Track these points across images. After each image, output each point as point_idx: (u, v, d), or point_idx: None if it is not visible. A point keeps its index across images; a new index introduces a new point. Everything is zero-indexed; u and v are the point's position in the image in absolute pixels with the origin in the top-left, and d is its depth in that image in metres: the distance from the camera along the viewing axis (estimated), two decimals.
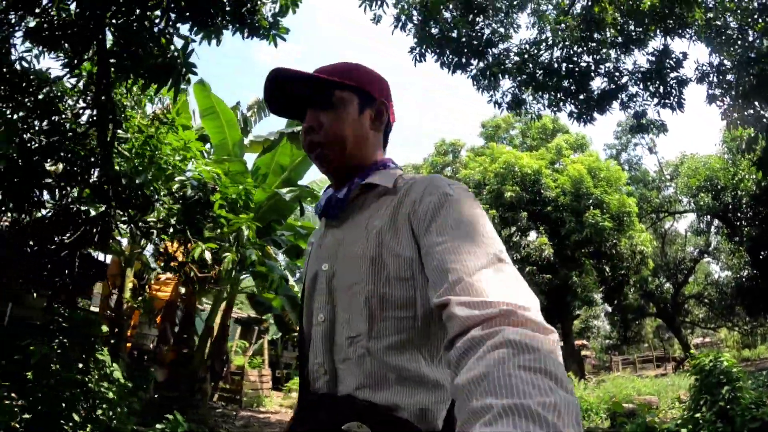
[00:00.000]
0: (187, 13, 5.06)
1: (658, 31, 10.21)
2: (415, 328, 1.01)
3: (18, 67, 5.53)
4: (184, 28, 5.37)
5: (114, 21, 5.00)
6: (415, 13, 10.71)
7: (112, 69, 5.24)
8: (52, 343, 6.11)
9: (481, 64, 11.00)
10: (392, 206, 1.11)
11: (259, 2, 5.62)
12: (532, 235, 21.90)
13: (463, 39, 10.89)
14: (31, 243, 6.70)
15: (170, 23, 5.12)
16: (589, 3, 10.33)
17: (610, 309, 30.38)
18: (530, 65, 11.14)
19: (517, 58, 11.03)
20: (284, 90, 1.24)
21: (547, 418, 0.58)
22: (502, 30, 11.00)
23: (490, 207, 20.18)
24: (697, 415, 6.20)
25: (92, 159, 5.94)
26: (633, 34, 10.46)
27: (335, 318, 1.11)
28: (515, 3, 11.13)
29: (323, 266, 1.17)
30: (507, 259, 0.92)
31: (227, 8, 5.35)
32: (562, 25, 11.03)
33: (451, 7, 10.88)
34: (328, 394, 1.08)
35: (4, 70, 5.39)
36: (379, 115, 1.26)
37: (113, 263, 10.10)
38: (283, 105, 1.28)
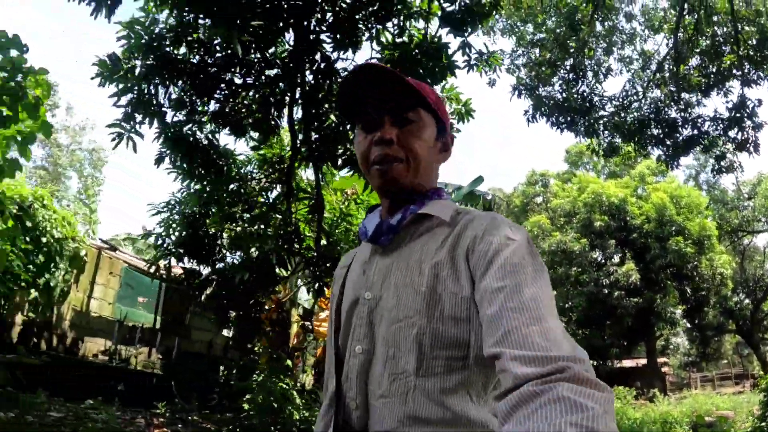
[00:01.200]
0: None
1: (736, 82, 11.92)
2: (466, 369, 0.97)
3: (205, 142, 6.66)
4: None
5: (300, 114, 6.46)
6: (524, 74, 13.25)
7: (301, 157, 6.81)
8: (250, 379, 7.81)
9: (586, 122, 13.31)
10: (449, 240, 1.06)
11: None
12: (616, 258, 23.89)
13: (570, 103, 13.19)
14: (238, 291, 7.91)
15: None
16: (674, 67, 12.42)
17: (689, 325, 31.17)
18: (625, 118, 13.34)
19: (613, 111, 13.27)
20: (363, 89, 1.15)
21: None
22: (599, 89, 13.28)
23: (580, 236, 22.36)
24: (762, 423, 8.36)
25: (282, 229, 7.35)
26: (714, 86, 12.21)
27: (375, 351, 1.05)
28: (610, 67, 13.31)
29: (366, 294, 1.11)
30: (556, 312, 0.91)
31: None
32: (653, 85, 13.28)
33: (558, 75, 13.37)
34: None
35: (194, 144, 6.50)
36: (445, 147, 1.23)
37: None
38: (354, 107, 1.20)
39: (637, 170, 26.33)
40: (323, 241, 7.71)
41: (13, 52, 4.67)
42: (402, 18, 6.82)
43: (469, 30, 6.67)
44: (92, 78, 6.45)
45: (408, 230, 1.14)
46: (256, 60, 6.32)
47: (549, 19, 13.21)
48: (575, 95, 13.03)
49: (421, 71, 6.34)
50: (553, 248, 22.92)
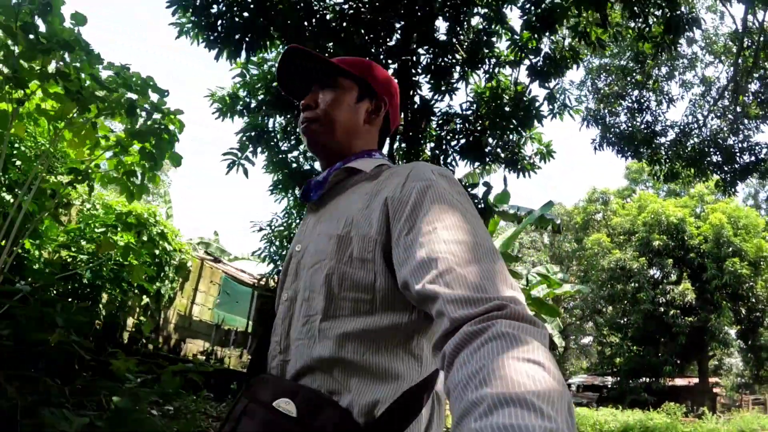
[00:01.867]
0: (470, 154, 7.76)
1: None
2: (373, 314, 0.98)
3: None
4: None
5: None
6: (591, 104, 14.12)
7: None
8: None
9: (649, 150, 14.09)
10: (370, 189, 1.11)
11: (521, 150, 8.95)
12: (673, 276, 24.43)
13: (634, 133, 13.99)
14: None
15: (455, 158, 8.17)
16: (733, 101, 13.12)
17: (743, 346, 31.25)
18: (686, 145, 14.05)
19: (674, 139, 13.99)
20: (295, 69, 1.31)
21: (542, 407, 0.59)
22: (662, 117, 14.03)
23: (639, 254, 23.04)
24: None
25: None
26: None
27: (296, 297, 1.10)
28: (673, 97, 14.03)
29: (297, 247, 1.18)
30: (495, 251, 0.90)
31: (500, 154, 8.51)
32: (713, 114, 13.99)
33: (623, 106, 14.23)
34: (265, 375, 1.09)
35: (298, 170, 7.75)
36: (376, 110, 1.30)
37: None
38: (290, 84, 1.35)
39: (696, 189, 26.76)
40: None
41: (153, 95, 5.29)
42: (491, 65, 7.87)
43: (553, 80, 7.69)
44: (213, 113, 7.78)
45: (336, 187, 1.21)
46: None
47: (615, 52, 14.01)
48: (640, 125, 13.83)
49: (513, 121, 7.40)
50: (612, 266, 23.67)
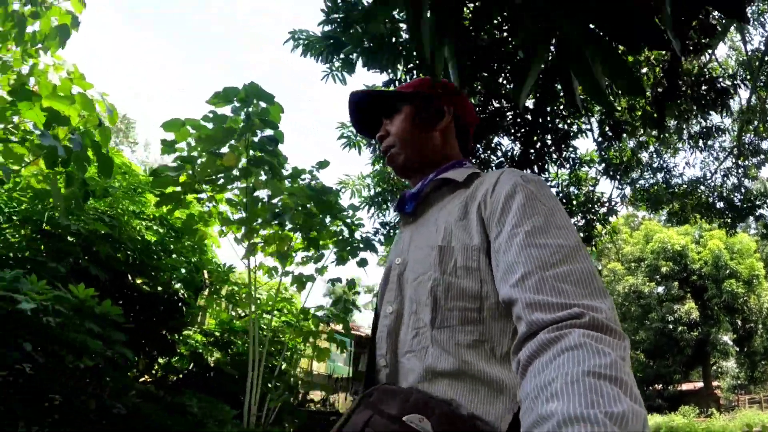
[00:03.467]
0: None
1: None
2: (481, 322, 0.97)
3: None
4: None
5: None
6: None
7: None
8: None
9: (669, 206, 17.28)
10: (464, 198, 1.12)
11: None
12: (678, 297, 28.51)
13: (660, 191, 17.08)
14: None
15: None
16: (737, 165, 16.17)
17: (737, 349, 34.91)
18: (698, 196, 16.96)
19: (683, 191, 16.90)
20: (362, 110, 1.41)
21: (614, 429, 0.58)
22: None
23: (649, 278, 27.09)
24: None
25: None
26: None
27: (402, 310, 1.09)
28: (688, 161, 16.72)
29: (396, 260, 1.18)
30: (582, 252, 0.88)
31: None
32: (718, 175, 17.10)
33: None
34: (390, 386, 1.04)
35: None
36: (440, 116, 1.32)
37: None
38: (364, 124, 1.45)
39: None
40: None
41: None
42: (573, 163, 9.12)
43: (619, 178, 10.72)
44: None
45: (430, 197, 1.24)
46: None
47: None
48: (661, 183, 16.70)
49: (588, 217, 10.71)
50: (626, 290, 27.81)
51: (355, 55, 5.77)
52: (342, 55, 5.84)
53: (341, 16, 5.43)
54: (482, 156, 7.90)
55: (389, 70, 5.82)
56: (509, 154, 8.06)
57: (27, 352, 3.92)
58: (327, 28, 5.57)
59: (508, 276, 0.89)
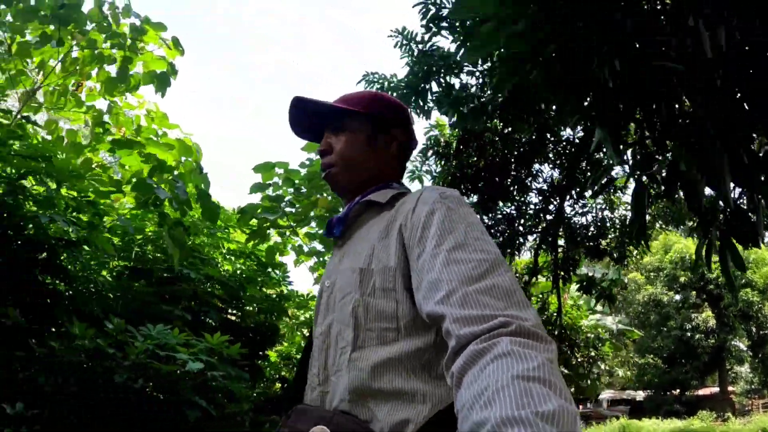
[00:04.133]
0: None
1: None
2: (398, 341, 1.01)
3: None
4: None
5: None
6: None
7: None
8: None
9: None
10: (387, 219, 1.16)
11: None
12: (696, 305, 29.45)
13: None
14: None
15: None
16: None
17: (751, 354, 35.64)
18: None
19: None
20: (306, 115, 1.37)
21: (545, 427, 0.60)
22: None
23: (667, 288, 28.14)
24: None
25: None
26: None
27: (330, 331, 1.13)
28: None
29: (326, 282, 1.22)
30: (504, 266, 0.92)
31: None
32: None
33: None
34: (305, 405, 1.13)
35: None
36: (388, 141, 1.33)
37: None
38: (305, 128, 1.41)
39: None
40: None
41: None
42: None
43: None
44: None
45: (357, 220, 1.27)
46: None
47: None
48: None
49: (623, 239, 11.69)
50: (646, 299, 28.90)
51: (431, 103, 5.90)
52: (420, 102, 5.95)
53: (423, 68, 5.71)
54: (526, 181, 8.22)
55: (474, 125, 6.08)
56: (548, 180, 8.49)
57: (203, 408, 4.06)
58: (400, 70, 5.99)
59: (432, 293, 0.92)
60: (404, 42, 5.94)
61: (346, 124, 1.32)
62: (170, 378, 4.11)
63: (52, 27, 5.48)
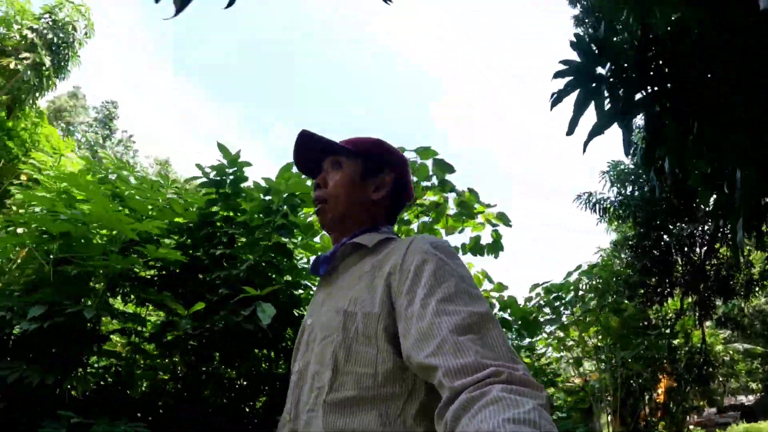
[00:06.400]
0: None
1: None
2: (375, 387, 1.02)
3: None
4: None
5: None
6: None
7: None
8: None
9: None
10: (373, 265, 1.17)
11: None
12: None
13: None
14: None
15: None
16: None
17: None
18: None
19: None
20: (308, 152, 1.40)
21: None
22: None
23: None
24: None
25: None
26: None
27: (307, 369, 1.14)
28: None
29: (308, 321, 1.25)
30: (492, 321, 0.94)
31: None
32: None
33: None
34: None
35: None
36: (382, 185, 1.34)
37: None
38: (307, 166, 1.44)
39: None
40: None
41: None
42: None
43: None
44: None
45: (343, 261, 1.29)
46: None
47: None
48: None
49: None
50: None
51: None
52: None
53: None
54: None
55: None
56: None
57: None
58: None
59: (423, 344, 0.93)
60: None
61: (342, 161, 1.35)
62: None
63: None
